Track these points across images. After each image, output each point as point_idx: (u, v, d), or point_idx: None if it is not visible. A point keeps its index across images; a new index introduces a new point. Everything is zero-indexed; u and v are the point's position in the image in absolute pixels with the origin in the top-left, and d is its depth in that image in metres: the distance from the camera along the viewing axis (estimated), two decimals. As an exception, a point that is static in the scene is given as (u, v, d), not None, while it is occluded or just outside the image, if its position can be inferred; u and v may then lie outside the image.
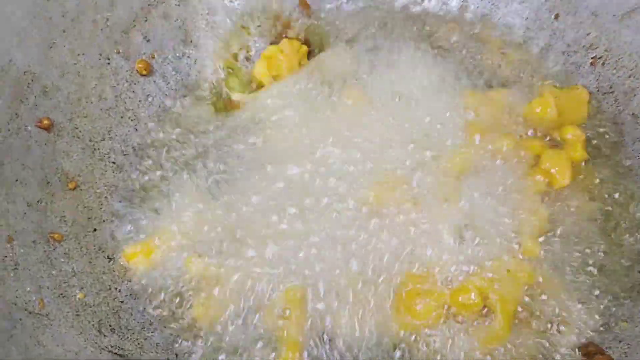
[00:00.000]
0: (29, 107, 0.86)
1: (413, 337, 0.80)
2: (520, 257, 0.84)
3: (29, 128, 0.86)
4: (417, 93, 0.97)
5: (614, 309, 0.81)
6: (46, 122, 0.87)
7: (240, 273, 0.84)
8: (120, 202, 0.91)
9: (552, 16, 1.03)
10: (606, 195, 0.90)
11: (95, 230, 0.88)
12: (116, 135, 0.95)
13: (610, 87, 0.97)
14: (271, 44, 1.06)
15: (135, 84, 0.99)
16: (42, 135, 0.87)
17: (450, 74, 1.00)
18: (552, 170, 0.88)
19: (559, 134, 0.93)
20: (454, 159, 0.91)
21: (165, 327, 0.82)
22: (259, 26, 1.06)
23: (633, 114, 0.94)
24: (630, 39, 0.95)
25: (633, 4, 0.94)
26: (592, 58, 0.99)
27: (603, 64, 0.98)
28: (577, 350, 0.79)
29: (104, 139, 0.94)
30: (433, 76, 0.99)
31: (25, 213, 0.82)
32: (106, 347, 0.76)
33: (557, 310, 0.81)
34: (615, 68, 0.97)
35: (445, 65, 1.02)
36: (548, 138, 0.93)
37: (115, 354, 0.76)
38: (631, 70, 0.95)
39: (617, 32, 0.96)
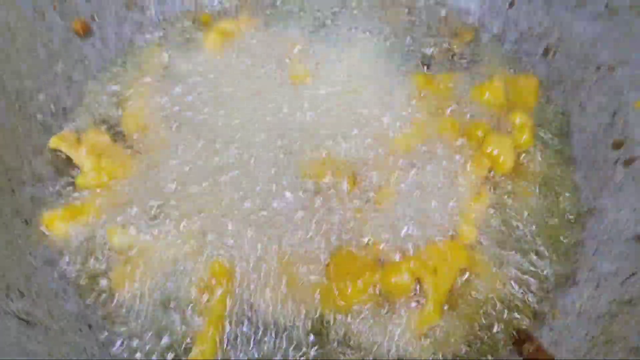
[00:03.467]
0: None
1: (341, 318, 0.77)
2: (458, 241, 0.81)
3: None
4: (366, 73, 0.95)
5: (549, 295, 0.79)
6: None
7: (163, 245, 0.80)
8: (46, 165, 0.86)
9: (507, 4, 1.01)
10: (549, 184, 0.88)
11: (13, 191, 0.82)
12: (47, 95, 0.90)
13: (560, 76, 0.95)
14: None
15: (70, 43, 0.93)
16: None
17: (401, 56, 0.98)
18: (496, 154, 0.86)
19: (507, 119, 0.91)
20: (398, 141, 0.88)
21: (80, 296, 0.77)
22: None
23: (580, 104, 0.92)
24: (581, 29, 0.93)
25: (586, -6, 0.93)
26: (544, 48, 0.98)
27: (554, 53, 0.97)
28: (508, 337, 0.76)
29: (32, 99, 0.88)
30: (383, 57, 0.97)
31: None
32: (12, 311, 0.71)
33: (490, 296, 0.78)
34: (566, 58, 0.95)
35: (397, 47, 0.99)
36: (493, 124, 0.91)
37: (22, 319, 0.71)
38: (581, 60, 0.93)
39: (569, 22, 0.95)
